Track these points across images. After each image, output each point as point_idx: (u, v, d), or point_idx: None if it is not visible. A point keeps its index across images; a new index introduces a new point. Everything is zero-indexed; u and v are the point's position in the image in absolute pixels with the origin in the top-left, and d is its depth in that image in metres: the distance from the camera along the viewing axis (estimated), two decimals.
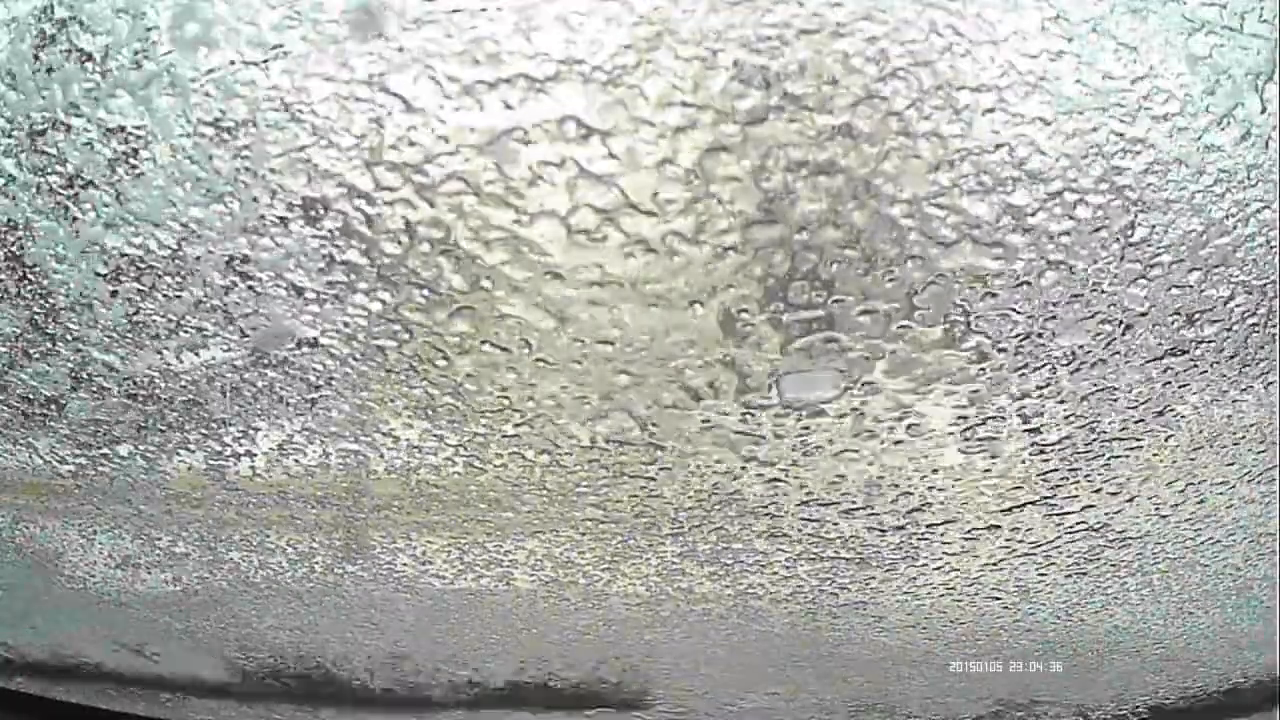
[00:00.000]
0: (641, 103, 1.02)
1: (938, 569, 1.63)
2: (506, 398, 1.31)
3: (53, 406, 1.42)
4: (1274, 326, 1.25)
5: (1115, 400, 1.33)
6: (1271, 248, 1.16)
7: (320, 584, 1.75)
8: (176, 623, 1.93)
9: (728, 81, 1.01)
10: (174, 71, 1.02)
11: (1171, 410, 1.36)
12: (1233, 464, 1.46)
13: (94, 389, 1.37)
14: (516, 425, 1.35)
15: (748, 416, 1.33)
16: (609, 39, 0.99)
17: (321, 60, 1.01)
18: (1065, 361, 1.27)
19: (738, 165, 1.07)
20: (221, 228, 1.14)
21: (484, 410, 1.34)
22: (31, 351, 1.34)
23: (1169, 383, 1.31)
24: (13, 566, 1.83)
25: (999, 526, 1.54)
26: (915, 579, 1.66)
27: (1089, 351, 1.26)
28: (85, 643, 2.06)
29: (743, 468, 1.41)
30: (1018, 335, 1.23)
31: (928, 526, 1.52)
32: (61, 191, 1.13)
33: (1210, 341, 1.26)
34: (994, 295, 1.18)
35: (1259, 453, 1.44)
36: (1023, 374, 1.28)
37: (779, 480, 1.43)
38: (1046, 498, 1.49)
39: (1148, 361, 1.28)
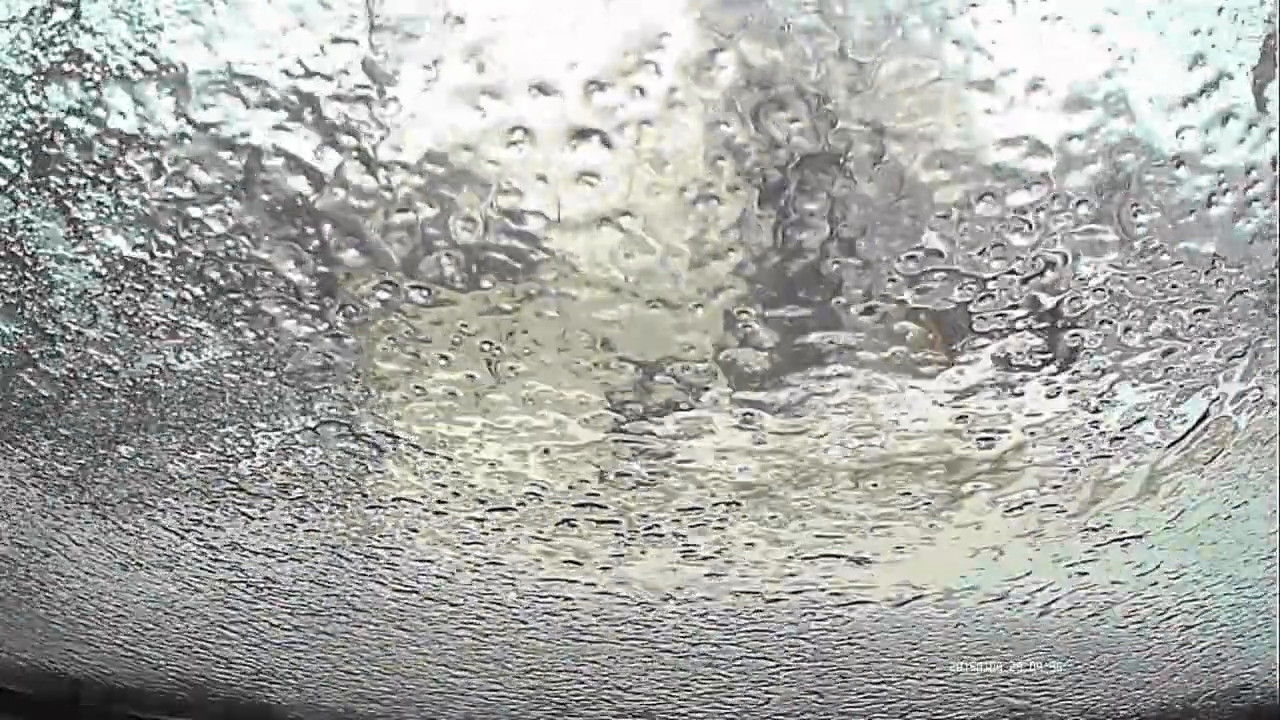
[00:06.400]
0: (643, 103, 1.02)
1: (940, 567, 1.63)
2: (504, 398, 1.31)
3: (52, 406, 1.42)
4: (1274, 326, 1.25)
5: (1115, 400, 1.33)
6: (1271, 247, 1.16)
7: (318, 583, 1.76)
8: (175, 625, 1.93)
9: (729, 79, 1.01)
10: (174, 72, 1.02)
11: (1171, 411, 1.36)
12: (1234, 464, 1.46)
13: (94, 389, 1.37)
14: (517, 424, 1.35)
15: (749, 417, 1.33)
16: (608, 39, 0.99)
17: (322, 60, 1.01)
18: (1064, 360, 1.27)
19: (738, 165, 1.07)
20: (221, 228, 1.14)
21: (482, 409, 1.34)
22: (31, 351, 1.34)
23: (1168, 383, 1.31)
24: (11, 567, 1.84)
25: (1001, 526, 1.54)
26: (914, 578, 1.66)
27: (1088, 351, 1.26)
28: (83, 646, 2.06)
29: (743, 468, 1.41)
30: (1017, 334, 1.23)
31: (926, 526, 1.52)
32: (61, 191, 1.13)
33: (1210, 342, 1.26)
34: (992, 296, 1.18)
35: (1259, 453, 1.44)
36: (1021, 372, 1.28)
37: (778, 480, 1.43)
38: (1048, 499, 1.49)
39: (1147, 361, 1.28)
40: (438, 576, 1.69)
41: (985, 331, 1.22)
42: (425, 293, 1.19)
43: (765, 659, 1.90)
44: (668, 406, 1.32)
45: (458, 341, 1.24)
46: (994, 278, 1.16)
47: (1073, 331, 1.23)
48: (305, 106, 1.03)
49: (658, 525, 1.53)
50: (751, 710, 2.05)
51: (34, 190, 1.13)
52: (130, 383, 1.36)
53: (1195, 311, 1.22)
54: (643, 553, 1.59)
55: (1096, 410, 1.34)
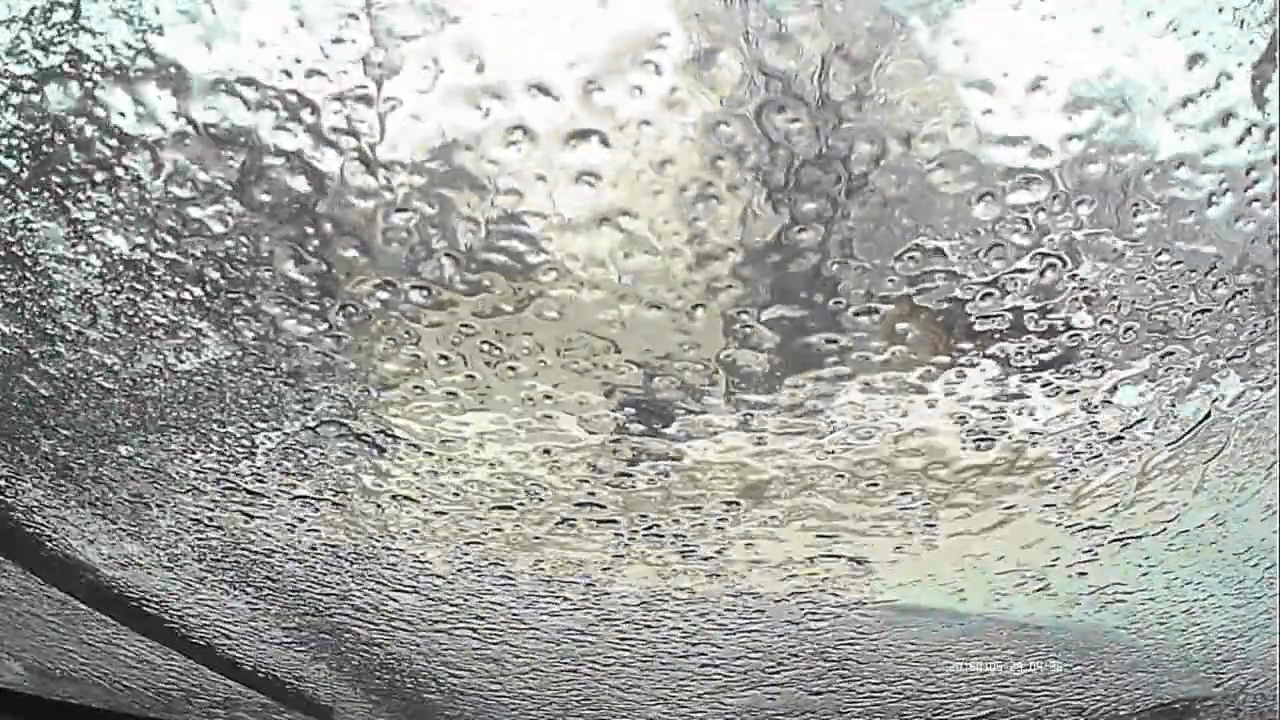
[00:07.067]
0: (643, 103, 1.02)
1: (939, 567, 1.63)
2: (504, 398, 1.31)
3: (52, 406, 1.42)
4: (1274, 327, 1.25)
5: (1115, 400, 1.33)
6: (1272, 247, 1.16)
7: (318, 583, 1.75)
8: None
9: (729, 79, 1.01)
10: (174, 72, 1.02)
11: (1171, 411, 1.36)
12: (1233, 464, 1.46)
13: (94, 389, 1.37)
14: (517, 424, 1.35)
15: (748, 417, 1.33)
16: (608, 39, 0.99)
17: (322, 60, 1.01)
18: (1064, 360, 1.27)
19: (738, 165, 1.07)
20: (221, 228, 1.14)
21: (482, 409, 1.34)
22: (31, 351, 1.34)
23: (1168, 383, 1.31)
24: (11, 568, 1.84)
25: (1000, 527, 1.54)
26: (913, 579, 1.66)
27: (1088, 351, 1.26)
28: (83, 646, 2.06)
29: (743, 469, 1.41)
30: (1016, 334, 1.23)
31: (926, 526, 1.52)
32: (61, 191, 1.13)
33: (1210, 342, 1.26)
34: (992, 296, 1.18)
35: (1258, 453, 1.44)
36: (1022, 373, 1.28)
37: (778, 480, 1.43)
38: (1047, 501, 1.49)
39: (1147, 361, 1.28)
40: (438, 576, 1.69)
41: (985, 332, 1.22)
42: (425, 293, 1.19)
43: (765, 659, 1.90)
44: (668, 408, 1.32)
45: (458, 342, 1.24)
46: (994, 278, 1.16)
47: (1073, 332, 1.23)
48: (305, 106, 1.03)
49: (658, 525, 1.52)
50: (752, 710, 2.05)
51: (34, 190, 1.13)
52: (130, 383, 1.36)
53: (1195, 312, 1.22)
54: (643, 553, 1.59)
55: (1096, 410, 1.34)
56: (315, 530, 1.61)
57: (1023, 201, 1.09)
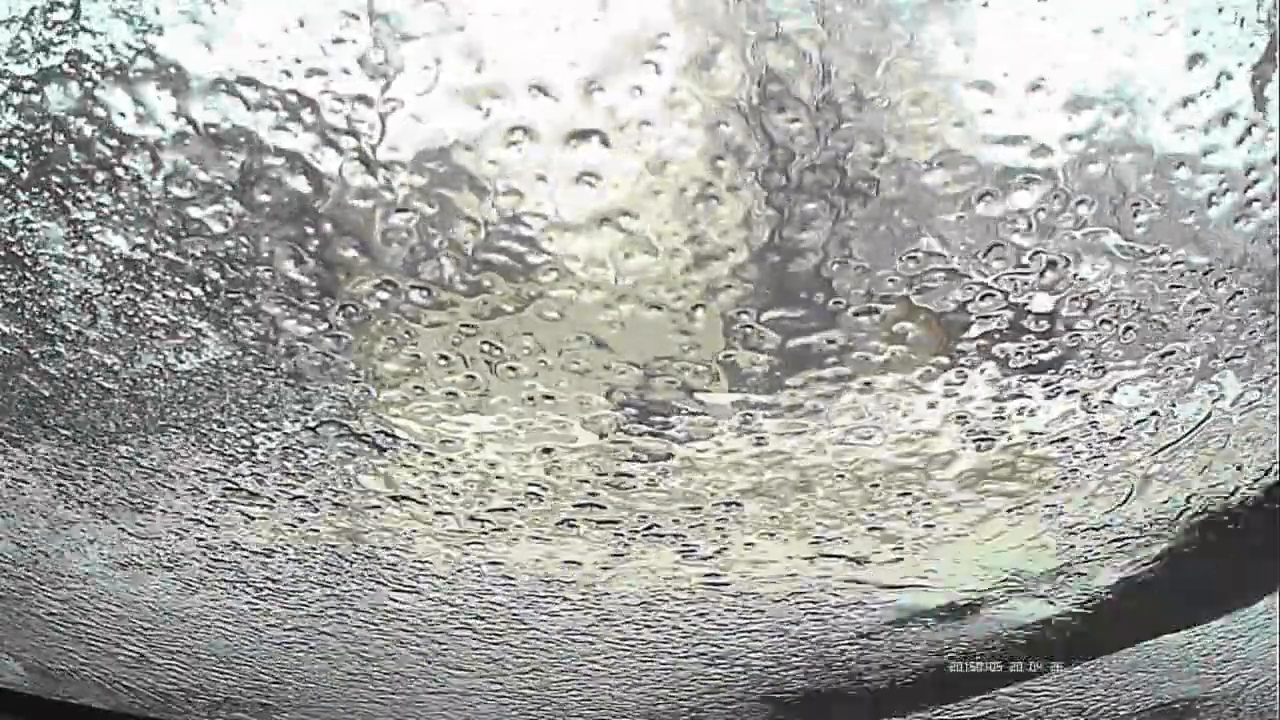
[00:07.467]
0: (643, 103, 1.02)
1: (939, 567, 1.63)
2: (504, 398, 1.31)
3: (52, 406, 1.42)
4: (1274, 327, 1.25)
5: (1115, 400, 1.33)
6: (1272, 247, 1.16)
7: (318, 583, 1.75)
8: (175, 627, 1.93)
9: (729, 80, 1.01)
10: (174, 72, 1.02)
11: (1171, 411, 1.36)
12: (1233, 464, 1.46)
13: (94, 389, 1.38)
14: (517, 424, 1.35)
15: (748, 418, 1.33)
16: (608, 39, 0.99)
17: (322, 60, 1.01)
18: (1064, 361, 1.27)
19: (738, 165, 1.07)
20: (221, 228, 1.14)
21: (482, 409, 1.34)
22: (31, 351, 1.34)
23: (1168, 383, 1.31)
24: (11, 567, 1.83)
25: (1001, 527, 1.54)
26: (913, 579, 1.66)
27: (1088, 351, 1.26)
28: (83, 646, 2.06)
29: (743, 469, 1.41)
30: (1016, 334, 1.23)
31: (926, 526, 1.53)
32: (61, 191, 1.13)
33: (1210, 343, 1.26)
34: (992, 295, 1.18)
35: (1258, 453, 1.44)
36: (1021, 373, 1.28)
37: (778, 480, 1.43)
38: (1047, 501, 1.49)
39: (1147, 361, 1.28)
40: (438, 576, 1.69)
41: (985, 332, 1.22)
42: (425, 293, 1.19)
43: (765, 659, 1.90)
44: (668, 408, 1.32)
45: (458, 342, 1.24)
46: (994, 278, 1.16)
47: (1073, 331, 1.23)
48: (305, 106, 1.03)
49: (658, 525, 1.53)
50: (751, 710, 2.05)
51: (34, 190, 1.13)
52: (130, 383, 1.36)
53: (1195, 311, 1.22)
54: (643, 553, 1.59)
55: (1096, 410, 1.34)
56: (315, 530, 1.62)
57: (1023, 202, 1.09)
